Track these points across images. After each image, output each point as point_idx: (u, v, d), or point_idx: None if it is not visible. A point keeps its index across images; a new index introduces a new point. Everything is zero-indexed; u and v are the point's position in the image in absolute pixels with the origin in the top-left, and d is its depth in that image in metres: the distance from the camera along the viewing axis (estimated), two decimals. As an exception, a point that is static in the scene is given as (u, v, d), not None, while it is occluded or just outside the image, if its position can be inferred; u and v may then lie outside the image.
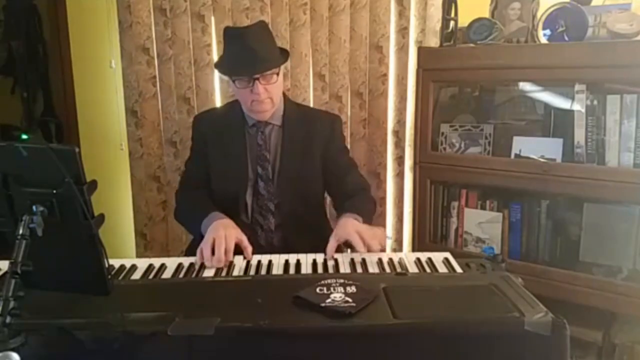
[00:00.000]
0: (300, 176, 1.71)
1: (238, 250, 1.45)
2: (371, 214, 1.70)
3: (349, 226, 1.46)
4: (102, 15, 2.56)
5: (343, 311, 1.02)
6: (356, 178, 1.78)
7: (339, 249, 1.46)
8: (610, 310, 1.77)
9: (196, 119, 1.83)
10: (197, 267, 1.37)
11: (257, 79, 1.56)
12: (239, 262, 1.41)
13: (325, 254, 1.42)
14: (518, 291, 1.13)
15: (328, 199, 1.94)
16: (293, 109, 1.78)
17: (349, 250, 1.50)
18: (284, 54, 1.68)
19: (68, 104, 2.80)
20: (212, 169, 1.75)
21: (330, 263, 1.38)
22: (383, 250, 1.43)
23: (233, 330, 0.98)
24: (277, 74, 1.61)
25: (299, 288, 1.11)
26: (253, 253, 1.45)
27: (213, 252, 1.38)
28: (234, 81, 1.62)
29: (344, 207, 1.63)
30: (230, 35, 1.62)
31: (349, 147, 2.32)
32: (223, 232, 1.43)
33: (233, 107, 1.77)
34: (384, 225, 2.42)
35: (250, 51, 1.55)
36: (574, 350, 1.77)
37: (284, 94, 1.77)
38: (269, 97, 1.61)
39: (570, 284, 1.78)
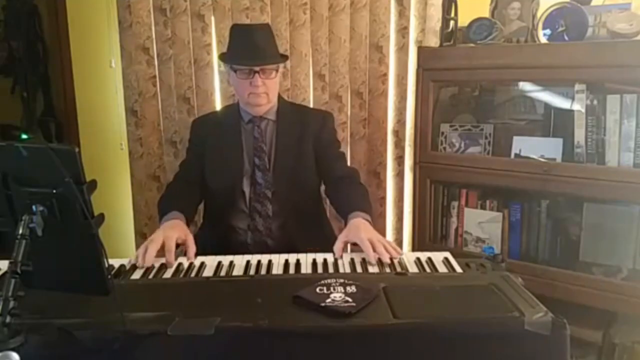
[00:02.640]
0: (295, 166, 1.78)
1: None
2: (371, 205, 1.74)
3: (362, 230, 1.47)
4: (102, 15, 2.56)
5: (343, 311, 1.02)
6: (345, 165, 1.90)
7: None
8: (610, 310, 1.77)
9: (195, 123, 1.92)
10: (127, 267, 1.38)
11: (258, 72, 1.67)
12: (239, 261, 1.41)
13: (334, 253, 1.44)
14: (518, 291, 1.13)
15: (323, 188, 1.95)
16: (287, 106, 1.87)
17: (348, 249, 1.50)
18: (284, 58, 1.79)
19: (68, 104, 2.80)
20: (209, 164, 1.80)
21: (330, 262, 1.39)
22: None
23: (233, 330, 0.98)
24: (276, 71, 1.73)
25: (299, 288, 1.11)
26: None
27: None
28: (235, 71, 1.70)
29: (347, 202, 1.66)
30: (238, 30, 1.75)
31: (348, 146, 2.33)
32: (162, 234, 1.46)
33: (230, 108, 1.89)
34: (384, 225, 2.42)
35: (254, 45, 1.68)
36: (574, 350, 1.77)
37: (279, 94, 1.84)
38: (265, 91, 1.71)
39: (570, 284, 1.78)
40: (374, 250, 1.37)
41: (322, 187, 1.92)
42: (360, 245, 1.42)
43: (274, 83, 1.74)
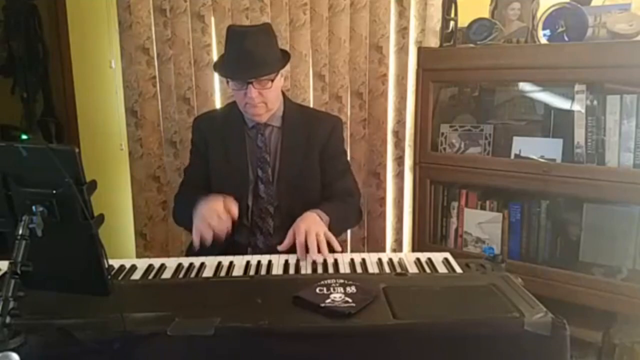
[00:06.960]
0: (300, 178, 1.71)
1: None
2: (343, 217, 1.68)
3: (304, 220, 1.49)
4: (102, 15, 2.56)
5: (343, 311, 1.02)
6: (346, 184, 1.77)
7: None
8: (610, 310, 1.77)
9: (196, 121, 1.83)
10: (196, 248, 1.44)
11: (251, 83, 1.55)
12: (239, 262, 1.41)
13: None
14: (518, 291, 1.13)
15: None
16: (293, 110, 1.76)
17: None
18: (285, 57, 1.66)
19: (68, 104, 2.80)
20: (213, 171, 1.74)
21: (330, 262, 1.38)
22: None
23: (233, 330, 0.98)
24: (273, 80, 1.59)
25: (299, 288, 1.11)
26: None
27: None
28: (228, 82, 1.62)
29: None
30: (231, 35, 1.60)
31: (348, 147, 2.33)
32: (206, 206, 1.49)
33: (232, 108, 1.75)
34: (384, 226, 2.42)
35: (247, 54, 1.54)
36: (574, 350, 1.77)
37: (284, 94, 1.76)
38: (262, 101, 1.60)
39: (570, 284, 1.78)
40: (306, 241, 1.40)
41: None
42: (295, 235, 1.44)
43: (272, 91, 1.61)
